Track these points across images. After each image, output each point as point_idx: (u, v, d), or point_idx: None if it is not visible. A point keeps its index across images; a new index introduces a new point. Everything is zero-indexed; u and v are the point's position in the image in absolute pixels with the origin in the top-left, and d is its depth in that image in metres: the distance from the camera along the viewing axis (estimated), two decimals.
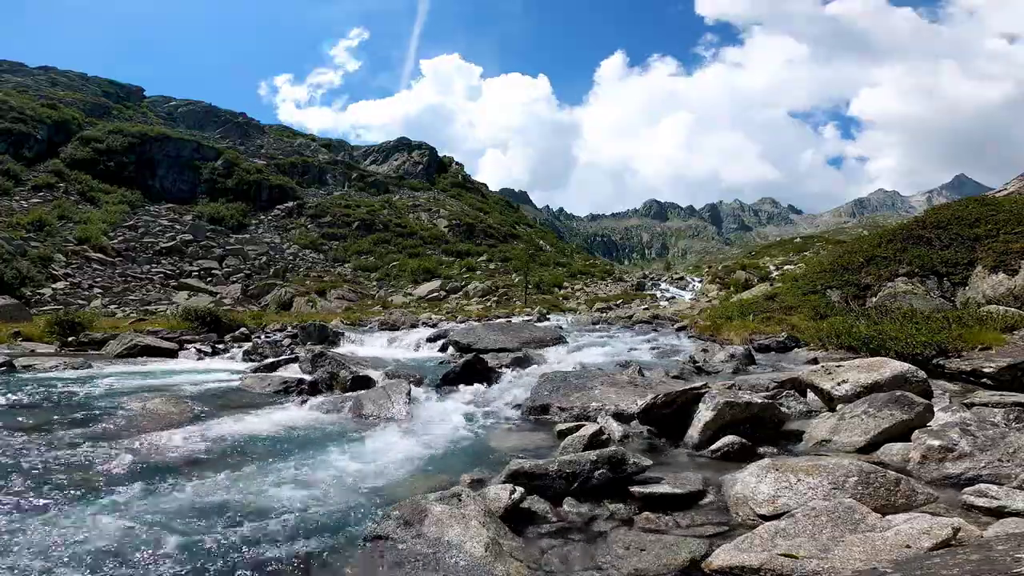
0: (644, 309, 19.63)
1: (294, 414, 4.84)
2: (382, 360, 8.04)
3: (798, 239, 45.90)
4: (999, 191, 19.06)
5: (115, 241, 28.91)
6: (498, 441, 4.04)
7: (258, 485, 3.06)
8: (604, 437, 3.66)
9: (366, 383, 5.90)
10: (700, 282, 32.06)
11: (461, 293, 30.42)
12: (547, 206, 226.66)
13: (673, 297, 27.98)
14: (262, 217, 41.82)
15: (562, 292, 32.13)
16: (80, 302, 20.14)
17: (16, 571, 2.09)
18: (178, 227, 33.69)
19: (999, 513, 2.33)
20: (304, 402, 5.34)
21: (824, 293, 11.51)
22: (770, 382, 4.96)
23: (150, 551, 2.26)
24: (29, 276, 20.44)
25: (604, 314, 18.40)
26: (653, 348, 9.34)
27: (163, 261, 28.82)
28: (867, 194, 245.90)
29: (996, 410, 3.87)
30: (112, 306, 20.69)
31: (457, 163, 70.36)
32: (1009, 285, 9.03)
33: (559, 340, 9.60)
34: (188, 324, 11.29)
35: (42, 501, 2.74)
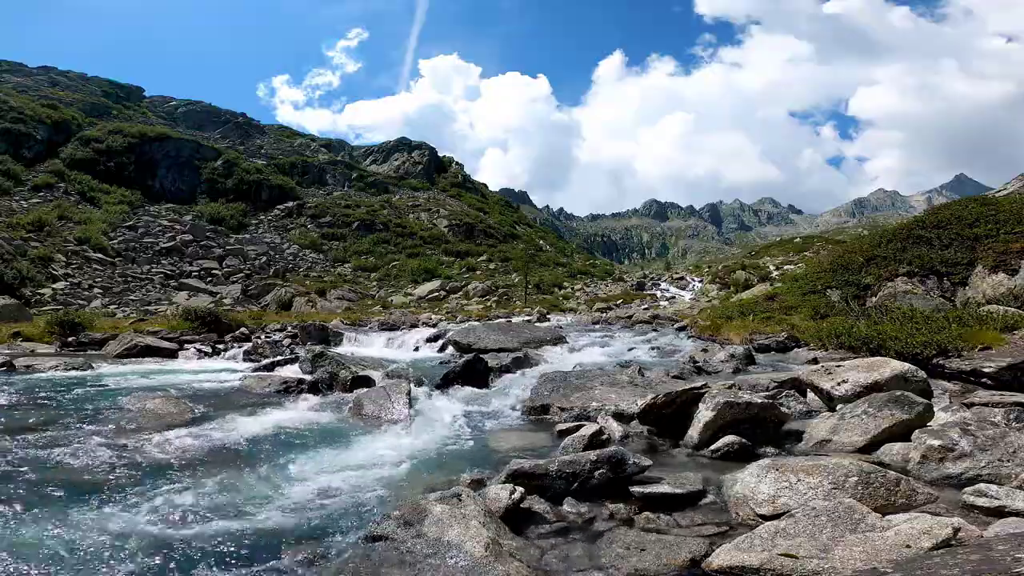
0: (644, 309, 19.62)
1: (294, 414, 4.84)
2: (382, 360, 8.03)
3: (798, 239, 45.88)
4: (999, 191, 19.06)
5: (115, 241, 28.90)
6: (498, 441, 4.04)
7: (257, 485, 3.06)
8: (604, 437, 3.66)
9: (366, 383, 5.90)
10: (700, 282, 32.02)
11: (461, 293, 30.41)
12: (547, 206, 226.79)
13: (673, 297, 27.96)
14: (262, 217, 41.81)
15: (562, 292, 32.11)
16: (80, 302, 20.14)
17: (16, 571, 2.09)
18: (178, 227, 33.67)
19: (999, 513, 2.33)
20: (304, 402, 5.34)
21: (824, 293, 11.50)
22: (770, 382, 4.95)
23: (149, 550, 2.26)
24: (29, 276, 20.43)
25: (604, 314, 18.39)
26: (653, 348, 9.33)
27: (163, 261, 28.82)
28: (867, 194, 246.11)
29: (996, 410, 3.87)
30: (112, 306, 20.69)
31: (457, 163, 70.34)
32: (1009, 285, 9.03)
33: (559, 340, 9.59)
34: (188, 324, 11.29)
35: (41, 501, 2.75)
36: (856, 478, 2.53)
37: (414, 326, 14.12)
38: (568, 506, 2.70)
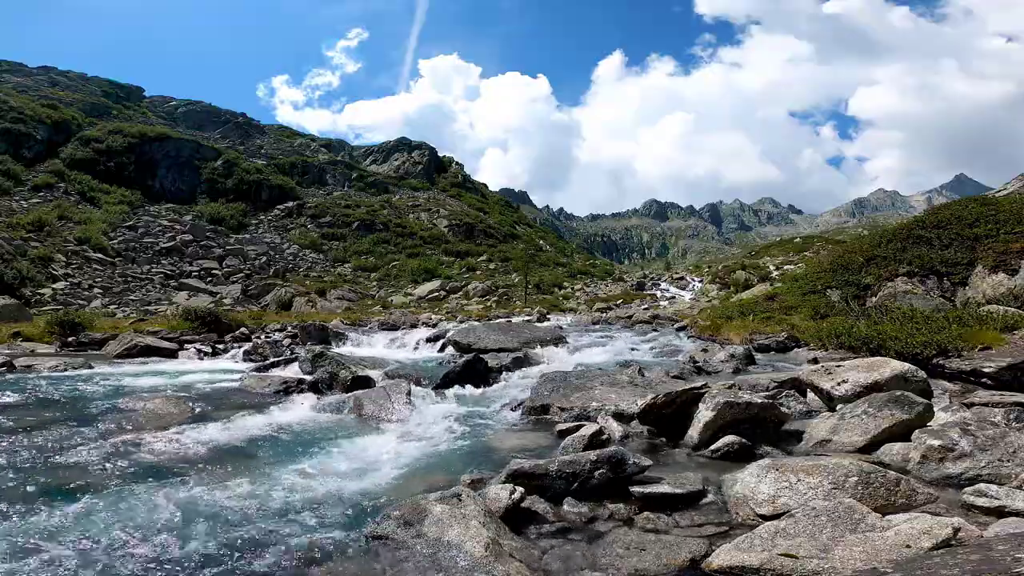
0: (644, 309, 19.63)
1: (294, 414, 4.84)
2: (382, 360, 8.03)
3: (798, 239, 45.88)
4: (999, 191, 19.08)
5: (115, 241, 28.91)
6: (498, 441, 4.04)
7: (258, 485, 3.06)
8: (604, 437, 3.66)
9: (366, 383, 5.90)
10: (700, 282, 32.04)
11: (461, 293, 30.41)
12: (547, 206, 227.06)
13: (673, 297, 27.96)
14: (262, 217, 41.83)
15: (562, 292, 32.13)
16: (80, 302, 20.14)
17: (15, 572, 2.09)
18: (178, 227, 33.66)
19: (999, 513, 2.33)
20: (304, 402, 5.33)
21: (824, 293, 11.51)
22: (770, 382, 4.95)
23: (149, 551, 2.26)
24: (29, 276, 20.43)
25: (604, 314, 18.39)
26: (653, 348, 9.33)
27: (163, 261, 28.82)
28: (867, 194, 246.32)
29: (996, 410, 3.87)
30: (112, 306, 20.69)
31: (457, 163, 70.36)
32: (1009, 285, 9.03)
33: (559, 340, 9.59)
34: (188, 324, 11.28)
35: (41, 501, 2.74)
36: (856, 478, 2.53)
37: (414, 326, 14.12)
38: (568, 506, 2.70)
